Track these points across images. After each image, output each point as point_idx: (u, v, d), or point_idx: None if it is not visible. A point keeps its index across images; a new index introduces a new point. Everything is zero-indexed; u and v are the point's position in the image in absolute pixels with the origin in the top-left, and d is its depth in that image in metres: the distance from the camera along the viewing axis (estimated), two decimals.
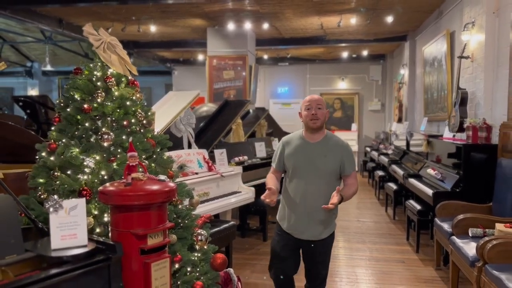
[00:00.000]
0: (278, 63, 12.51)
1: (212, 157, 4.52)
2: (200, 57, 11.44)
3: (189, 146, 4.50)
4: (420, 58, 8.03)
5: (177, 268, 2.44)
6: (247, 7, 6.92)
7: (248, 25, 8.07)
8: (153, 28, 8.09)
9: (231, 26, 8.01)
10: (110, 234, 2.04)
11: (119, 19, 7.60)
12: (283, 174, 2.89)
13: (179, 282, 2.44)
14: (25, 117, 7.06)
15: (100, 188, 2.01)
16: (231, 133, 5.96)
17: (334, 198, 2.51)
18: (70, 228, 1.89)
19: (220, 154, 4.57)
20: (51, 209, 1.86)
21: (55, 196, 1.89)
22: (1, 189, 2.05)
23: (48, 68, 12.15)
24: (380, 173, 7.92)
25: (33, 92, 15.51)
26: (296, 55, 11.83)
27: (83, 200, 1.93)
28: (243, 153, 5.39)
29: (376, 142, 10.85)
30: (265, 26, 8.09)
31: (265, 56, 12.06)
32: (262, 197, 2.57)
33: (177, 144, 4.33)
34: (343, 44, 9.97)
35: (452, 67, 5.97)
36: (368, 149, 10.98)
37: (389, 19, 7.38)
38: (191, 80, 12.74)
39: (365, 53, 11.34)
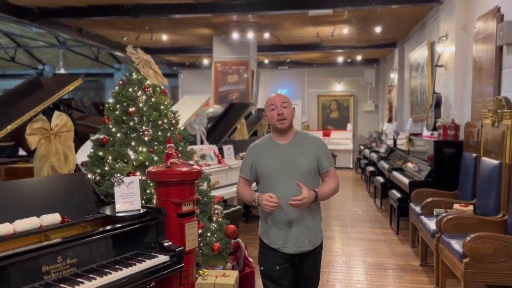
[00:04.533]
0: (278, 67, 13.29)
1: (221, 152, 5.27)
2: (205, 61, 12.20)
3: (201, 142, 5.27)
4: (407, 63, 8.79)
5: (200, 233, 3.20)
6: (249, 19, 7.71)
7: (250, 34, 8.85)
8: (164, 37, 8.87)
9: (235, 35, 8.80)
10: (154, 203, 2.79)
11: (133, 29, 8.37)
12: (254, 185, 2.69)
13: (201, 244, 3.20)
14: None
15: (148, 169, 2.76)
16: (236, 132, 6.71)
17: (304, 191, 2.31)
18: (128, 197, 2.64)
19: (228, 149, 5.32)
20: (115, 183, 2.61)
21: (119, 174, 2.64)
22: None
23: (62, 71, 12.85)
24: (370, 168, 8.67)
25: None
26: (295, 59, 12.60)
27: (137, 177, 2.69)
28: (247, 149, 6.14)
29: (369, 141, 11.60)
30: (266, 35, 8.89)
31: (266, 61, 12.82)
32: (265, 202, 2.35)
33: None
34: (339, 50, 10.75)
35: (432, 73, 6.72)
36: (362, 147, 11.74)
37: (378, 29, 8.15)
38: (196, 82, 13.48)
39: (359, 58, 12.12)
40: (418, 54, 7.66)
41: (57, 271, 2.09)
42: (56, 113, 2.67)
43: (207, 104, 9.22)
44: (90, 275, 2.15)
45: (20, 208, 2.25)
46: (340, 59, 12.33)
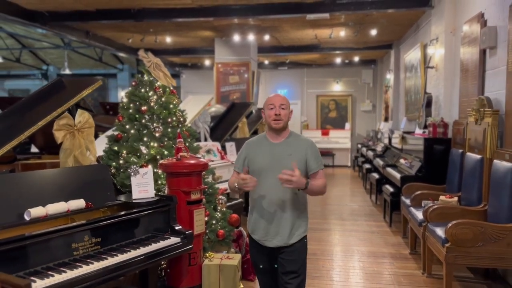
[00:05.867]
0: (278, 68, 13.62)
1: (223, 149, 5.58)
2: (207, 62, 12.51)
3: (205, 140, 5.59)
4: (402, 65, 9.11)
5: (206, 221, 3.52)
6: (250, 22, 8.03)
7: (251, 36, 9.18)
8: (168, 39, 9.20)
9: (236, 37, 9.13)
10: (166, 192, 3.11)
11: (139, 31, 8.70)
12: None
13: (207, 231, 3.52)
14: None
15: (160, 162, 3.08)
16: (238, 130, 7.03)
17: (297, 171, 2.37)
18: (143, 186, 2.95)
19: (230, 146, 5.64)
20: (132, 173, 2.92)
21: (135, 166, 2.96)
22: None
23: (67, 72, 13.14)
24: (367, 166, 8.98)
25: None
26: (294, 60, 12.92)
27: (151, 168, 3.00)
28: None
29: (367, 139, 11.92)
30: (266, 37, 9.22)
31: (266, 61, 13.13)
32: (242, 178, 2.43)
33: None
34: (337, 52, 11.07)
35: (424, 74, 7.04)
36: (359, 146, 12.05)
37: (374, 31, 8.47)
38: (197, 83, 13.78)
39: (356, 58, 12.44)
40: (412, 55, 7.97)
41: (84, 248, 2.41)
42: (79, 111, 2.99)
43: (210, 104, 9.57)
44: (112, 253, 2.46)
45: (51, 194, 2.57)
46: (338, 60, 12.65)
